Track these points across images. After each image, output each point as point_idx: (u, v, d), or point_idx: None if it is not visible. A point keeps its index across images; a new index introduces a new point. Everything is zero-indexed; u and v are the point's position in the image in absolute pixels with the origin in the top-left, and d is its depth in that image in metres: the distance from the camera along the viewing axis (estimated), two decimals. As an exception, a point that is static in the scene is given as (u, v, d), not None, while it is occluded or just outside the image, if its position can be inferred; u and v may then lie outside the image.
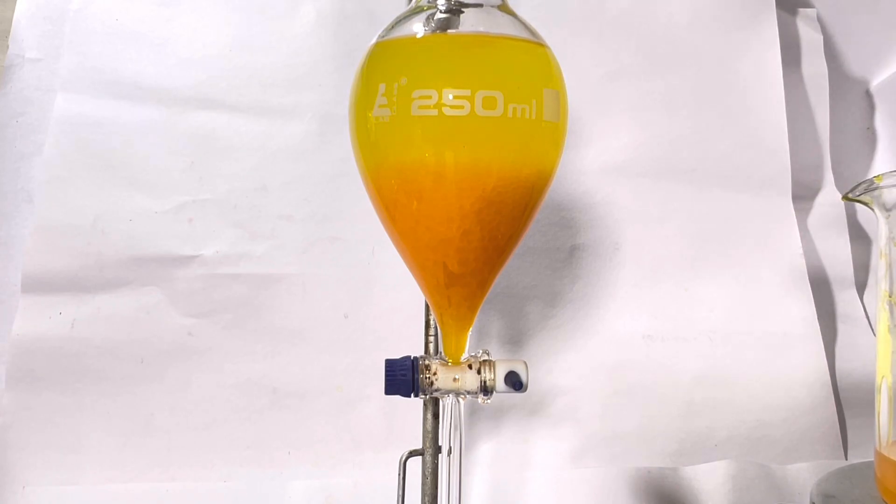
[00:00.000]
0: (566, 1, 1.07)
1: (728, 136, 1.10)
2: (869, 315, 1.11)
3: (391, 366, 0.66)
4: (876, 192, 0.75)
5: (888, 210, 0.73)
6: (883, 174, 0.74)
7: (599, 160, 1.06)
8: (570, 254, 1.04)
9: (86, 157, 0.97)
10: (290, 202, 1.00)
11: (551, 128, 0.63)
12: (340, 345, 1.00)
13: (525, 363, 0.67)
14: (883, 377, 0.71)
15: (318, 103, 1.02)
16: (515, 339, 1.03)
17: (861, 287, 1.14)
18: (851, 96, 1.20)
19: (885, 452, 0.69)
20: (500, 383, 0.66)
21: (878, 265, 0.73)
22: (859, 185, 0.78)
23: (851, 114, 1.19)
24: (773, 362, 1.06)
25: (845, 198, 0.87)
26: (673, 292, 1.07)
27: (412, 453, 0.76)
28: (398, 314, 0.99)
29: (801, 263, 1.09)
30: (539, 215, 1.03)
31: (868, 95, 1.19)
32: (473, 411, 1.00)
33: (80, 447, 0.94)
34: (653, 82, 1.09)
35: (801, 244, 1.09)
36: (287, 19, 1.03)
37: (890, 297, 0.70)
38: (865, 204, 0.78)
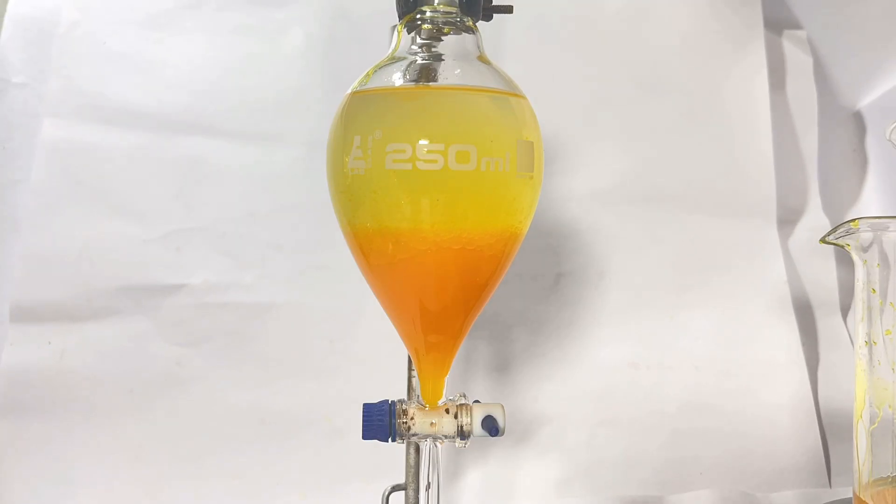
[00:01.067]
0: (556, 23, 1.07)
1: (714, 163, 1.10)
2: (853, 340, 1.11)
3: (368, 411, 0.66)
4: (853, 237, 0.75)
5: (866, 254, 0.74)
6: (859, 218, 0.74)
7: (586, 186, 1.06)
8: (556, 281, 1.05)
9: (73, 184, 0.96)
10: (278, 230, 1.00)
11: (525, 179, 0.63)
12: (329, 374, 0.99)
13: (502, 406, 0.67)
14: (860, 419, 0.72)
15: (307, 129, 1.01)
16: (501, 367, 1.03)
17: (846, 311, 1.13)
18: (839, 118, 1.19)
19: (862, 496, 0.70)
20: (476, 427, 0.66)
21: (857, 309, 0.73)
22: (837, 228, 0.78)
23: (840, 135, 1.18)
24: (757, 390, 1.06)
25: (823, 241, 0.87)
26: (658, 320, 1.07)
27: (395, 488, 0.76)
28: (387, 344, 0.96)
29: (786, 291, 1.09)
30: (525, 242, 1.03)
31: (856, 117, 1.18)
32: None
33: (70, 477, 0.94)
34: (640, 106, 1.09)
35: (785, 272, 1.09)
36: (276, 43, 1.02)
37: (867, 342, 0.71)
38: (843, 247, 0.79)
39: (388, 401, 0.67)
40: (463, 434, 0.66)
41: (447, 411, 0.67)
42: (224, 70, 1.01)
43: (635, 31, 1.09)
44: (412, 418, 0.66)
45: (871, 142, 1.18)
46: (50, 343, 0.95)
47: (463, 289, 0.64)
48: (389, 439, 0.66)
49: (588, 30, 1.08)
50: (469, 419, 0.66)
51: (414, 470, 0.76)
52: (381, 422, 0.66)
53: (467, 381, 1.01)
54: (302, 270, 1.00)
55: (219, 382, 0.98)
